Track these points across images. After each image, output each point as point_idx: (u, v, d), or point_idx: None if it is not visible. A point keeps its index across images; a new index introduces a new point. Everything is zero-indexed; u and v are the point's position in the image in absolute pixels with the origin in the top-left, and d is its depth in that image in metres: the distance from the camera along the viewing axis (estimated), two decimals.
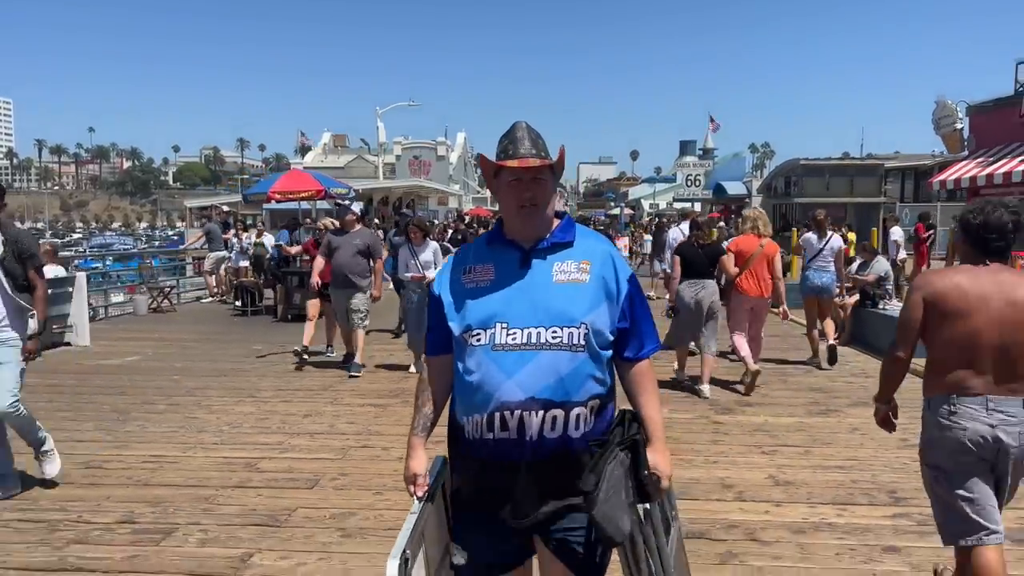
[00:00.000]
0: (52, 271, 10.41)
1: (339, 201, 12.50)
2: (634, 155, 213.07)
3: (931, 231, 18.19)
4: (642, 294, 2.27)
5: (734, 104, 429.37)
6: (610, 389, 2.20)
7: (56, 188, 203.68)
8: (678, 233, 11.47)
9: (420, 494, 2.24)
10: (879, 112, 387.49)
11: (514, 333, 2.08)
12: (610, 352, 2.18)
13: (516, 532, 2.16)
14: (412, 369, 8.49)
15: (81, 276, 10.79)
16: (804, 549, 4.06)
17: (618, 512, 2.01)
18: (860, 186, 37.80)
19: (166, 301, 14.73)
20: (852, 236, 16.24)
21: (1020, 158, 19.15)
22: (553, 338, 2.07)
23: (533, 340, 2.07)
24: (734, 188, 36.14)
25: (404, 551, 1.98)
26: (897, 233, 15.87)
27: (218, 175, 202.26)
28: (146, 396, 7.52)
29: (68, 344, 10.40)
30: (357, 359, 8.56)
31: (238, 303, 14.28)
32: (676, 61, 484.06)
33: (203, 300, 16.74)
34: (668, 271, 9.93)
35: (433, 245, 8.63)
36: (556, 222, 2.24)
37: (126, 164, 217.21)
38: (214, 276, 16.81)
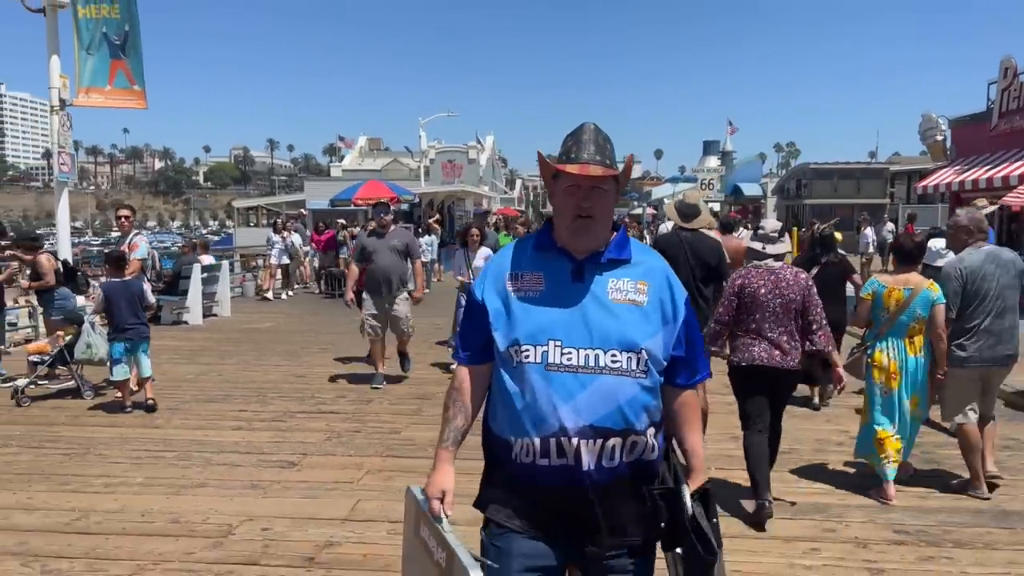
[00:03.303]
0: (206, 259, 13.78)
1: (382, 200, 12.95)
2: (658, 154, 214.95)
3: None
4: (696, 318, 2.15)
5: (760, 104, 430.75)
6: (663, 416, 2.12)
7: (92, 188, 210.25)
8: (665, 228, 16.22)
9: (449, 512, 2.11)
10: (907, 115, 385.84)
11: (569, 353, 1.97)
12: (662, 378, 2.08)
13: (556, 559, 2.08)
14: None
15: (225, 264, 14.15)
16: None
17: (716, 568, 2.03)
18: (866, 188, 40.83)
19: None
20: (839, 236, 19.36)
21: (988, 167, 21.98)
22: (612, 362, 1.97)
23: (591, 363, 1.97)
24: (750, 189, 39.16)
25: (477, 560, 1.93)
26: (868, 235, 18.79)
27: (248, 175, 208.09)
28: (299, 344, 10.76)
29: (215, 315, 13.74)
30: (407, 354, 8.52)
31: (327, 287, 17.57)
32: (703, 61, 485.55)
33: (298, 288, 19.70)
34: None
35: (485, 251, 8.48)
36: (612, 234, 2.10)
37: (158, 164, 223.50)
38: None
